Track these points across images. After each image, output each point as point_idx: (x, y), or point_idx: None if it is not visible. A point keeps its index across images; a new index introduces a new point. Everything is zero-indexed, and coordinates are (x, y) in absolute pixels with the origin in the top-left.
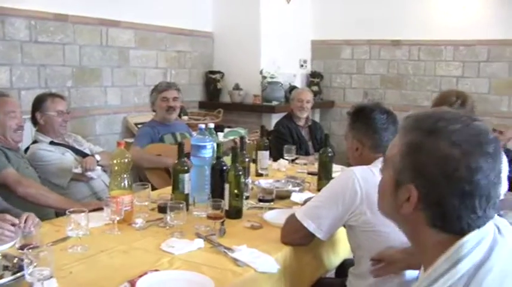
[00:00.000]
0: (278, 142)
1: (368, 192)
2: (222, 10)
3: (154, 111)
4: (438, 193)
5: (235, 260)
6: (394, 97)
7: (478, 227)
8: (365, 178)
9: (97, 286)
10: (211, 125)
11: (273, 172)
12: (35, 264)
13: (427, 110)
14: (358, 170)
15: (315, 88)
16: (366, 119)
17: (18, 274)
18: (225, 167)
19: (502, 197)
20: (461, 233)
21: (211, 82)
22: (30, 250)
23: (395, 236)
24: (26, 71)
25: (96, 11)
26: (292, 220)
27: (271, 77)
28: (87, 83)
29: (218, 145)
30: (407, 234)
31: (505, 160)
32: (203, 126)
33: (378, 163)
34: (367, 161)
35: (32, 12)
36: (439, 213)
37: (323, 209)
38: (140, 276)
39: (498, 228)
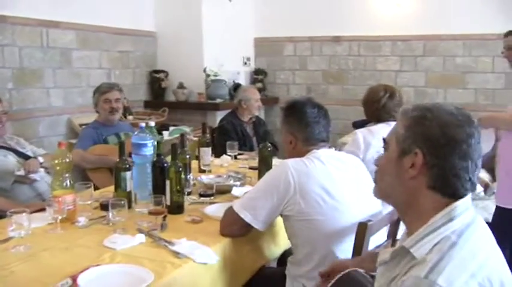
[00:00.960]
0: (222, 138)
1: (301, 183)
2: (164, 9)
3: (97, 112)
4: (441, 153)
5: (175, 253)
6: (336, 92)
7: (466, 193)
8: (298, 170)
9: (39, 283)
10: (152, 124)
11: (216, 167)
12: None
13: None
14: (292, 162)
15: (259, 85)
16: (298, 113)
17: None
18: (165, 164)
19: None
20: (455, 196)
21: (156, 81)
22: None
23: (328, 224)
24: None
25: (36, 12)
26: (229, 212)
27: (215, 75)
28: (29, 84)
29: (158, 143)
30: (403, 202)
31: None
32: (143, 124)
33: (310, 155)
34: (301, 154)
35: None
36: (441, 172)
37: (259, 201)
38: (82, 271)
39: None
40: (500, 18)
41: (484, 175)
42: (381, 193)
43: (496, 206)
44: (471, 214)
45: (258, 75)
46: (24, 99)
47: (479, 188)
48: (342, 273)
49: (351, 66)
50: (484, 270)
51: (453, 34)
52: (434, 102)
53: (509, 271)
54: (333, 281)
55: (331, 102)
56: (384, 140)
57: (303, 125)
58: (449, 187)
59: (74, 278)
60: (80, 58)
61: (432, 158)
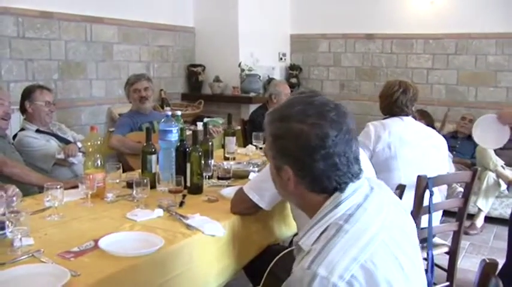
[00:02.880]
0: (253, 130)
1: None
2: (202, 6)
3: (130, 102)
4: (304, 164)
5: (187, 226)
6: (368, 88)
7: (347, 182)
8: None
9: (67, 244)
10: (178, 113)
11: (240, 156)
12: (14, 225)
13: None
14: None
15: (294, 80)
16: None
17: (1, 232)
18: (187, 149)
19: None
20: (338, 190)
21: (193, 75)
22: (11, 214)
23: None
24: (14, 65)
25: (80, 8)
26: (239, 192)
27: (249, 70)
28: (73, 76)
29: (181, 130)
30: (300, 205)
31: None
32: (169, 113)
33: None
34: None
35: (19, 10)
36: (313, 179)
37: (265, 183)
38: (103, 236)
39: (372, 187)
40: None
41: (509, 172)
42: (281, 195)
43: None
44: (363, 192)
45: (293, 71)
46: (68, 90)
47: (504, 186)
48: (286, 251)
49: (384, 64)
50: (367, 251)
51: (485, 33)
52: (288, 103)
53: (402, 248)
54: (277, 258)
55: (364, 99)
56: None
57: None
58: (327, 187)
59: (96, 241)
60: (120, 52)
61: (300, 170)
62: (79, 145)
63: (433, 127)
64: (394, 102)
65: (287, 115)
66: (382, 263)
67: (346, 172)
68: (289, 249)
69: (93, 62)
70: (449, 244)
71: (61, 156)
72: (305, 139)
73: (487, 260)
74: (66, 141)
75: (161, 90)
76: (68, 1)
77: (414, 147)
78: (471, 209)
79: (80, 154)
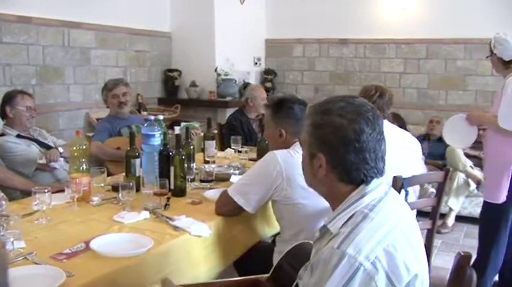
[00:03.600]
0: (230, 134)
1: (287, 171)
2: (179, 11)
3: (108, 107)
4: (338, 154)
5: (174, 227)
6: (342, 92)
7: (373, 177)
8: (285, 160)
9: (57, 246)
10: (161, 117)
11: (220, 159)
12: (6, 229)
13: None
14: (279, 153)
15: (269, 84)
16: (288, 109)
17: None
18: (171, 153)
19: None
20: (364, 183)
21: (169, 80)
22: (2, 218)
23: (311, 207)
24: None
25: (58, 13)
26: (224, 194)
27: (225, 75)
28: (51, 81)
29: (165, 134)
30: (325, 193)
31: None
32: (152, 117)
33: (295, 147)
34: (287, 145)
35: None
36: (343, 170)
37: (250, 187)
38: (93, 238)
39: (390, 187)
40: (499, 23)
41: (477, 172)
42: (309, 184)
43: (483, 201)
44: (384, 189)
45: (268, 75)
46: (46, 95)
47: (473, 185)
48: (295, 243)
49: (357, 68)
50: (389, 237)
51: (455, 38)
52: (330, 99)
53: (415, 239)
54: (289, 248)
55: None
56: (299, 140)
57: (293, 119)
58: (355, 179)
59: (87, 243)
60: (98, 57)
61: (333, 159)
62: (60, 150)
63: (406, 130)
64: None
65: (329, 109)
66: (401, 248)
67: (373, 167)
68: (299, 243)
69: (71, 67)
70: (424, 242)
71: (43, 161)
72: (343, 131)
73: (462, 253)
74: (46, 147)
75: (138, 94)
76: (46, 6)
77: (390, 148)
78: (442, 208)
79: (61, 159)
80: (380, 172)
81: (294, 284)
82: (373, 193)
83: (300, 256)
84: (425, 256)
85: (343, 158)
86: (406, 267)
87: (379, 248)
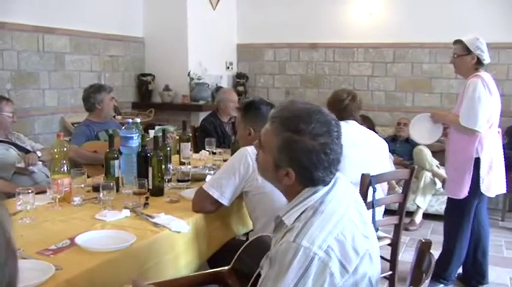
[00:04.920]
0: (203, 136)
1: None
2: (151, 17)
3: (89, 111)
4: (308, 171)
5: (154, 224)
6: (312, 95)
7: (331, 178)
8: (254, 153)
9: (43, 242)
10: (138, 120)
11: (194, 161)
12: None
13: (289, 108)
14: (250, 148)
15: (241, 88)
16: (256, 110)
17: None
18: (148, 154)
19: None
20: (322, 184)
21: (143, 84)
22: None
23: (279, 194)
24: None
25: (33, 19)
26: (200, 191)
27: (198, 79)
28: (26, 85)
29: (143, 136)
30: (281, 188)
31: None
32: (130, 120)
33: None
34: None
35: None
36: (310, 180)
37: (224, 180)
38: (78, 235)
39: (337, 177)
40: (462, 28)
41: (443, 171)
42: (265, 178)
43: (447, 197)
44: (330, 184)
45: (240, 79)
46: (21, 99)
47: (439, 184)
48: (254, 237)
49: (327, 71)
50: (339, 227)
51: (420, 42)
52: (300, 115)
53: (362, 220)
54: (246, 244)
55: None
56: (259, 140)
57: (261, 119)
58: (316, 182)
59: (72, 239)
60: (72, 62)
61: (302, 175)
62: (38, 153)
63: (375, 131)
64: (344, 108)
65: (302, 130)
66: (350, 235)
67: (334, 173)
68: (258, 235)
69: (46, 72)
70: (391, 237)
71: (21, 165)
72: (315, 154)
73: (423, 240)
74: (25, 151)
75: (112, 98)
76: (20, 12)
77: (359, 148)
78: (410, 207)
79: (40, 162)
80: (335, 172)
81: (256, 274)
82: (322, 190)
83: (259, 248)
84: (373, 230)
85: (312, 174)
86: (355, 251)
87: (330, 237)
